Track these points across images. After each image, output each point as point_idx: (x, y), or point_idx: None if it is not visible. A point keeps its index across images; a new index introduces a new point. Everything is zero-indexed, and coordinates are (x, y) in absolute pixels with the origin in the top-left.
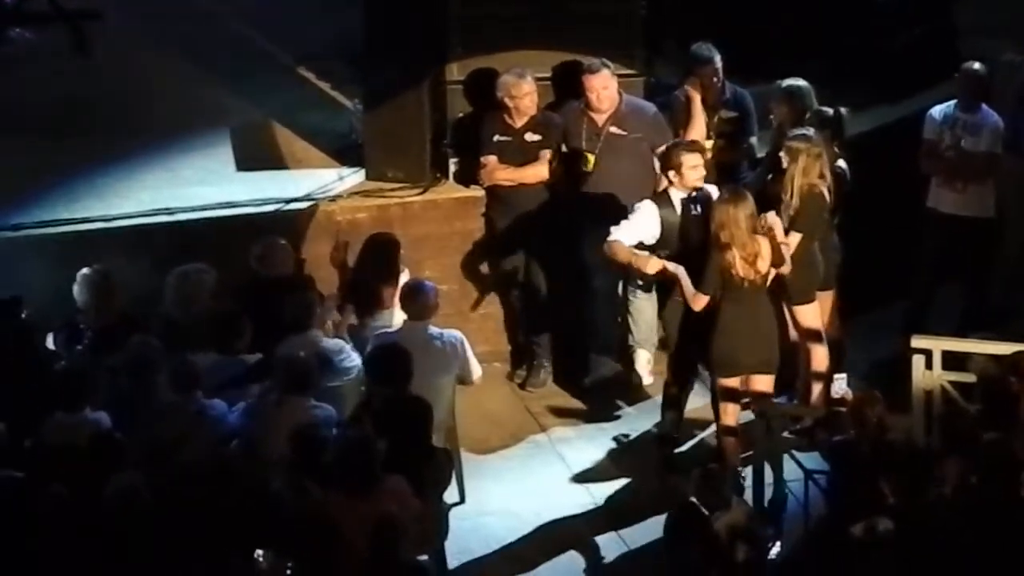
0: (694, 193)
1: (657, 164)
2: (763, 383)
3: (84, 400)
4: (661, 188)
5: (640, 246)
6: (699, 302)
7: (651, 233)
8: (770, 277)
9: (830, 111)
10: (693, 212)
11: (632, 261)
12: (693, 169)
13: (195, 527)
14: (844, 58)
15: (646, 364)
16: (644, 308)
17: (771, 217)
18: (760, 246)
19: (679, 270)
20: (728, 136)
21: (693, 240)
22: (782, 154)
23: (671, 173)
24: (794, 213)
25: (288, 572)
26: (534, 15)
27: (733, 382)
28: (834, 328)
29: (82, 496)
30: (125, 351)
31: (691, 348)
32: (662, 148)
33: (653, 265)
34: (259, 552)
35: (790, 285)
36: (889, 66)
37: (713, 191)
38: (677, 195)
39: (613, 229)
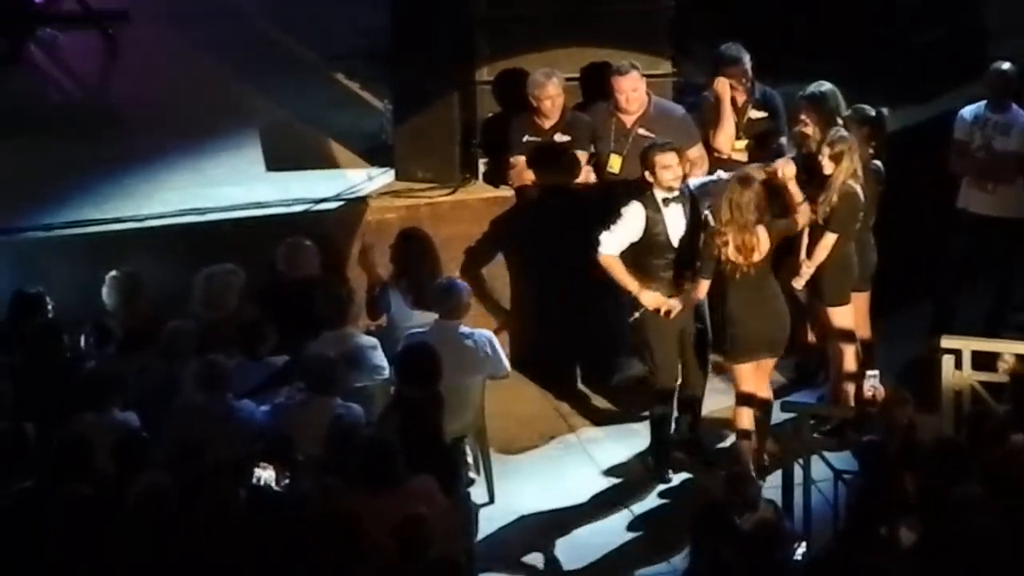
0: (674, 193)
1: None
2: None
3: (112, 400)
4: (647, 188)
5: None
6: (700, 290)
7: (636, 233)
8: (768, 259)
9: (871, 110)
10: (677, 211)
11: (629, 288)
12: (666, 169)
13: (219, 527)
14: (872, 57)
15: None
16: None
17: (782, 164)
18: (758, 238)
19: (675, 305)
20: (758, 136)
21: (683, 240)
22: (823, 159)
23: (647, 173)
24: (830, 212)
25: (286, 480)
26: (562, 16)
27: (748, 368)
28: (865, 328)
29: (108, 496)
30: (161, 335)
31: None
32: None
33: (653, 301)
34: (258, 472)
35: (824, 287)
36: (917, 65)
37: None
38: (660, 195)
39: (603, 237)
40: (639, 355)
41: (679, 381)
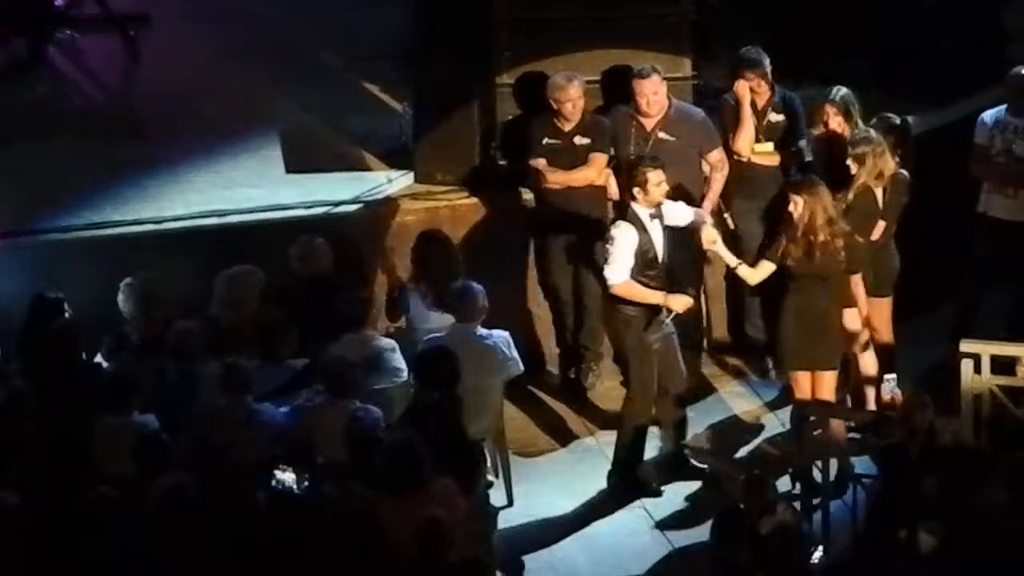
0: (656, 209)
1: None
2: (829, 381)
3: (131, 402)
4: (627, 207)
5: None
6: (758, 274)
7: (633, 253)
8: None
9: (897, 119)
10: (664, 227)
11: (661, 302)
12: (658, 186)
13: (239, 529)
14: (892, 60)
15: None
16: None
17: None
18: (834, 242)
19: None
20: (778, 140)
21: (667, 254)
22: (850, 162)
23: (636, 190)
24: (846, 208)
25: (306, 483)
26: (583, 18)
27: (805, 376)
28: (887, 333)
29: (129, 497)
30: (169, 338)
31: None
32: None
33: (683, 303)
34: (279, 475)
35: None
36: (939, 68)
37: (673, 207)
38: (643, 212)
39: (608, 272)
40: (622, 370)
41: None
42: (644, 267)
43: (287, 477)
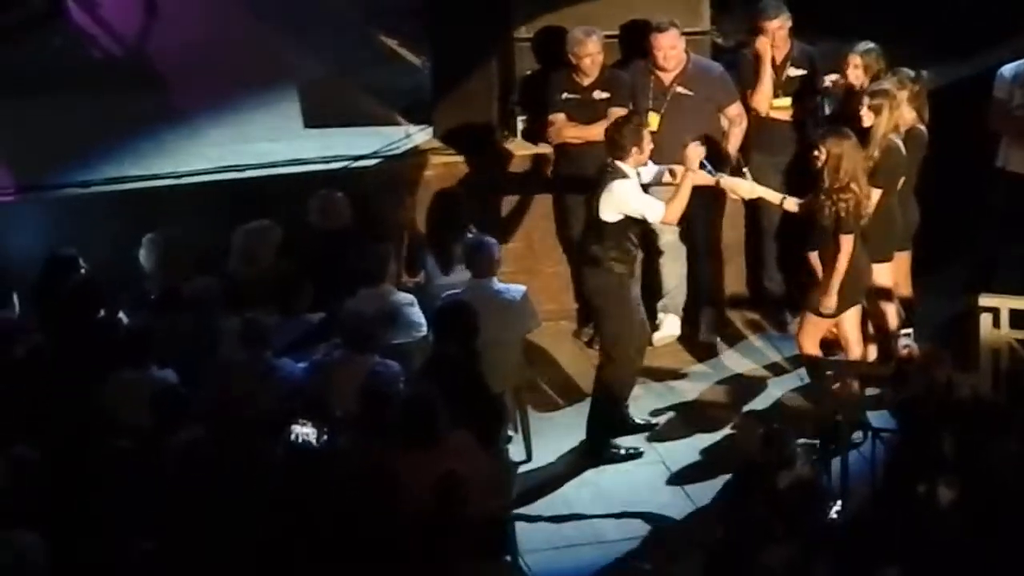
0: (641, 169)
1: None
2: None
3: (149, 357)
4: (615, 164)
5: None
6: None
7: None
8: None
9: (912, 72)
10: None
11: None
12: (648, 145)
13: (256, 483)
14: (912, 13)
15: (710, 323)
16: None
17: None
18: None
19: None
20: (796, 95)
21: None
22: (864, 112)
23: (634, 149)
24: (873, 166)
25: (325, 437)
26: None
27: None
28: (906, 287)
29: (147, 451)
30: (187, 293)
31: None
32: (616, 119)
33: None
34: (297, 429)
35: (868, 242)
36: (959, 20)
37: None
38: (630, 171)
39: (648, 213)
40: (596, 325)
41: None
42: (630, 227)
43: (306, 431)
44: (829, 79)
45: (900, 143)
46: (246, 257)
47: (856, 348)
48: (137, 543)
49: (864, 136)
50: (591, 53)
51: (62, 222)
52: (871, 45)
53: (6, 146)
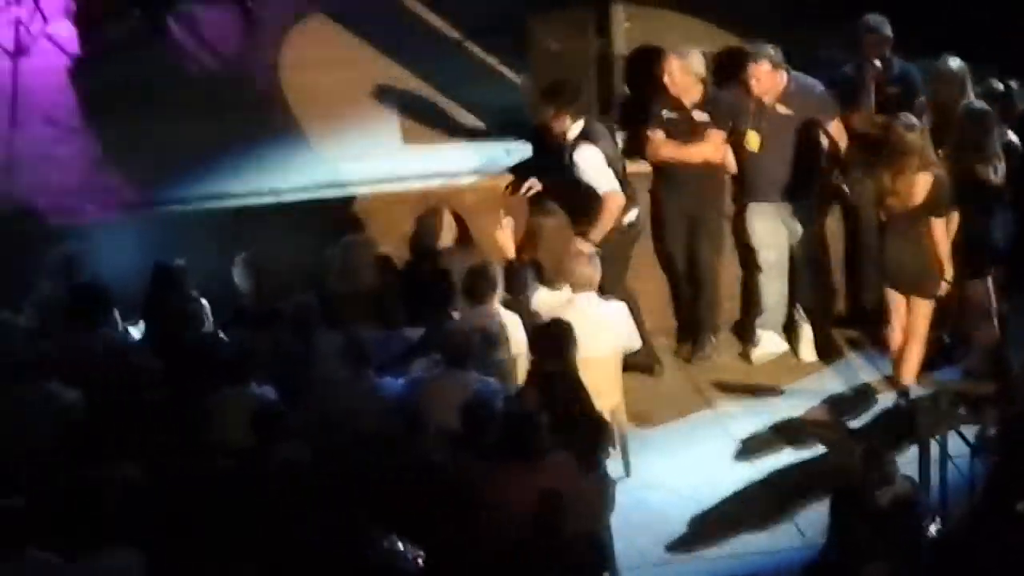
0: None
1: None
2: (923, 308)
3: (249, 374)
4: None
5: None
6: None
7: None
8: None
9: (1000, 85)
10: None
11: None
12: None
13: (356, 499)
14: (1009, 31)
15: (809, 341)
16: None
17: None
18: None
19: None
20: (896, 112)
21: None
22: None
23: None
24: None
25: (420, 562)
26: None
27: (899, 297)
28: (1002, 303)
29: (247, 467)
30: (286, 310)
31: None
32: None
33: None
34: (393, 540)
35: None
36: None
37: None
38: None
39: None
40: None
41: None
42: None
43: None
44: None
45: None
46: (345, 273)
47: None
48: (239, 562)
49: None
50: (690, 72)
51: (162, 239)
52: (957, 62)
53: (107, 163)
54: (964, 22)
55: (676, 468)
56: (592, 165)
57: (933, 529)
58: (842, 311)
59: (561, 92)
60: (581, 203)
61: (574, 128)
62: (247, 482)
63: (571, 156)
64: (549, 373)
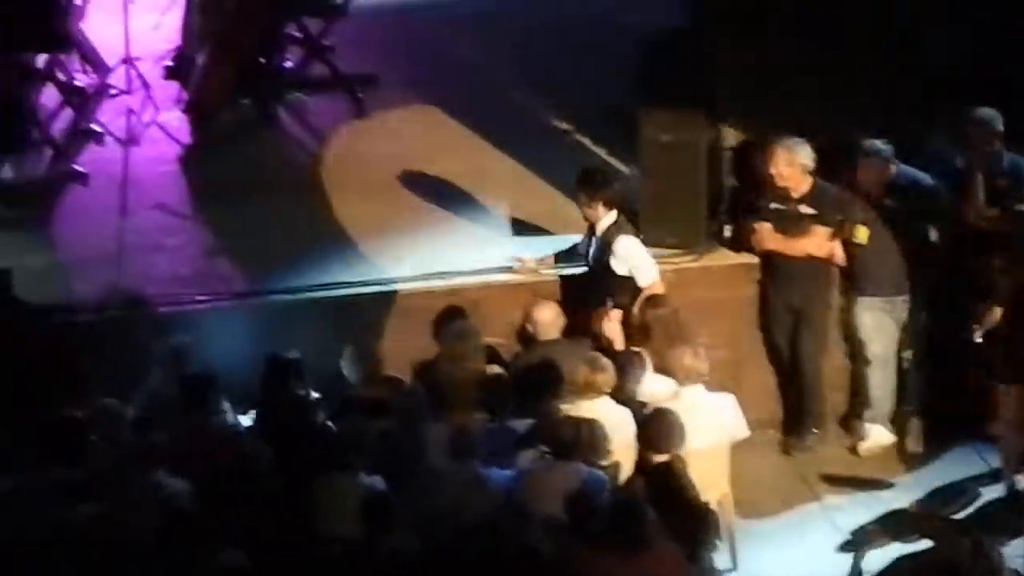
0: None
1: None
2: None
3: (358, 463)
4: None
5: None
6: None
7: None
8: None
9: None
10: None
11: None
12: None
13: None
14: None
15: (917, 433)
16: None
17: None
18: None
19: None
20: (1004, 204)
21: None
22: None
23: None
24: None
25: None
26: (810, 85)
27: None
28: None
29: (355, 556)
30: (394, 400)
31: None
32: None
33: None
34: None
35: None
36: None
37: None
38: None
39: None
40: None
41: None
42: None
43: None
44: None
45: None
46: (453, 361)
47: None
48: None
49: None
50: (797, 165)
51: (270, 328)
52: None
53: (218, 251)
54: None
55: (783, 560)
56: (635, 254)
57: None
58: (950, 403)
59: (592, 180)
60: (607, 292)
61: (606, 219)
62: (355, 571)
63: (604, 244)
64: (656, 464)
